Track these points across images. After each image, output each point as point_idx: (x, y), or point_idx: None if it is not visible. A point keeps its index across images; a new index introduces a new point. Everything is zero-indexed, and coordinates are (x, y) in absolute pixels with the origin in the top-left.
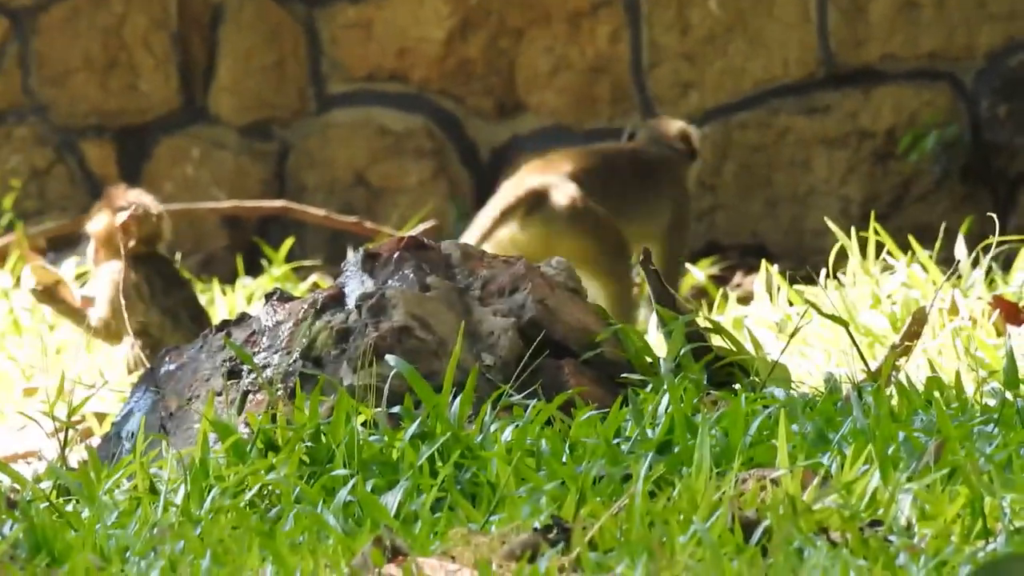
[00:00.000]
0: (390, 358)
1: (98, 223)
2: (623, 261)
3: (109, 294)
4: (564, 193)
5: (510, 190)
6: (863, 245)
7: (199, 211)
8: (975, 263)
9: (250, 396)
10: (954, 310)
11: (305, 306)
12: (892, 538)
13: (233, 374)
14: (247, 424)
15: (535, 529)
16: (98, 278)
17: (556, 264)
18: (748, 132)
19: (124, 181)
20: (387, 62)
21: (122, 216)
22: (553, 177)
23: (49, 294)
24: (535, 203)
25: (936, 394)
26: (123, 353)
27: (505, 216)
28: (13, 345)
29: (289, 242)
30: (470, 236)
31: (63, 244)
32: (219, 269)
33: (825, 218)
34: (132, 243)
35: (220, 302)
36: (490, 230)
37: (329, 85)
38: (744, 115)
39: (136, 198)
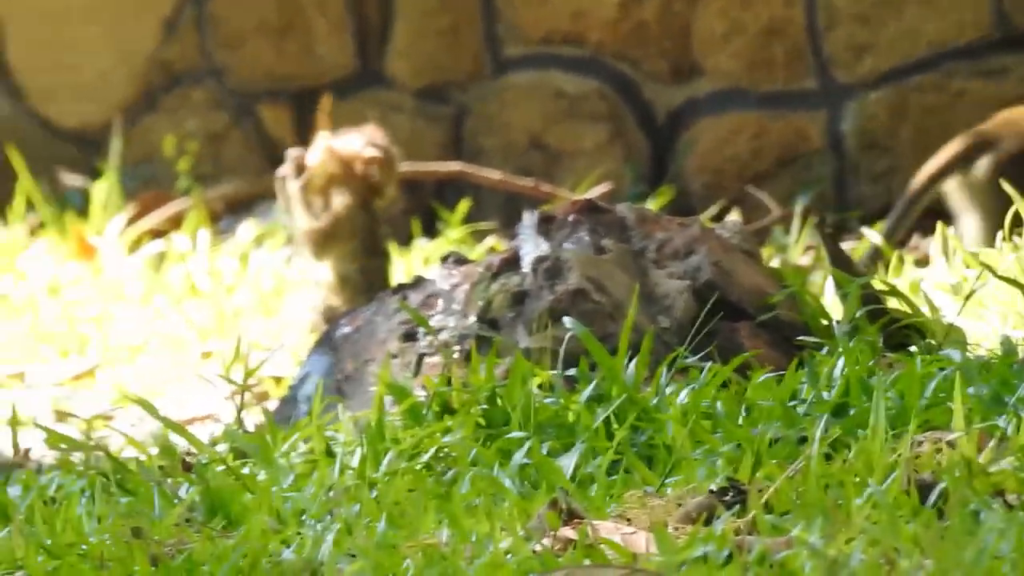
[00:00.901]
0: (566, 320)
1: (344, 142)
2: None
3: (337, 212)
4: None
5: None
6: None
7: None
8: None
9: (426, 359)
10: None
11: (481, 269)
12: None
13: (409, 337)
14: (423, 387)
15: (711, 491)
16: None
17: (731, 226)
18: (924, 95)
19: (299, 145)
20: (562, 25)
21: (374, 151)
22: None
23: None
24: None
25: None
26: (302, 315)
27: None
28: (191, 308)
29: (465, 205)
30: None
31: (240, 207)
32: (395, 232)
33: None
34: (371, 178)
35: (397, 264)
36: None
37: (505, 48)
38: (919, 77)
39: (385, 142)
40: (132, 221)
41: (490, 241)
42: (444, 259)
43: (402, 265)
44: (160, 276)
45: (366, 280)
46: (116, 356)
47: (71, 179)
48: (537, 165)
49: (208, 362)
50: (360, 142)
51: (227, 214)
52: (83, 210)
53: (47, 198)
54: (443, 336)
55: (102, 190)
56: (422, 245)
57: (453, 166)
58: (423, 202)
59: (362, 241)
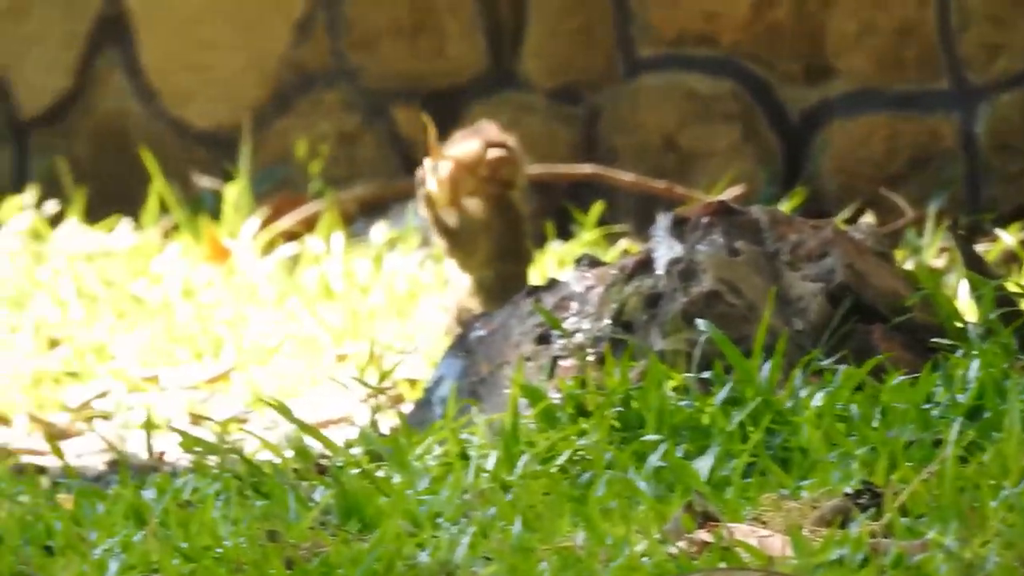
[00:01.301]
0: (700, 323)
1: (464, 148)
2: None
3: (467, 219)
4: None
5: None
6: None
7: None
8: None
9: (560, 361)
10: None
11: (615, 271)
12: None
13: (543, 339)
14: (557, 389)
15: (846, 494)
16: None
17: (864, 228)
18: None
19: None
20: (695, 25)
21: (496, 151)
22: None
23: (428, 199)
24: None
25: None
26: (436, 318)
27: None
28: (325, 311)
29: (599, 207)
30: None
31: (373, 209)
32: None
33: None
34: (496, 176)
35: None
36: None
37: (638, 49)
38: None
39: (503, 137)
40: (265, 224)
41: (624, 243)
42: (578, 261)
43: (536, 268)
44: (294, 279)
45: (504, 285)
46: (250, 359)
47: (204, 181)
48: (670, 166)
49: (343, 365)
50: (481, 144)
51: (360, 216)
52: (216, 212)
53: (180, 200)
54: (577, 339)
55: (235, 192)
56: (556, 248)
57: (586, 168)
58: (556, 204)
59: (499, 245)
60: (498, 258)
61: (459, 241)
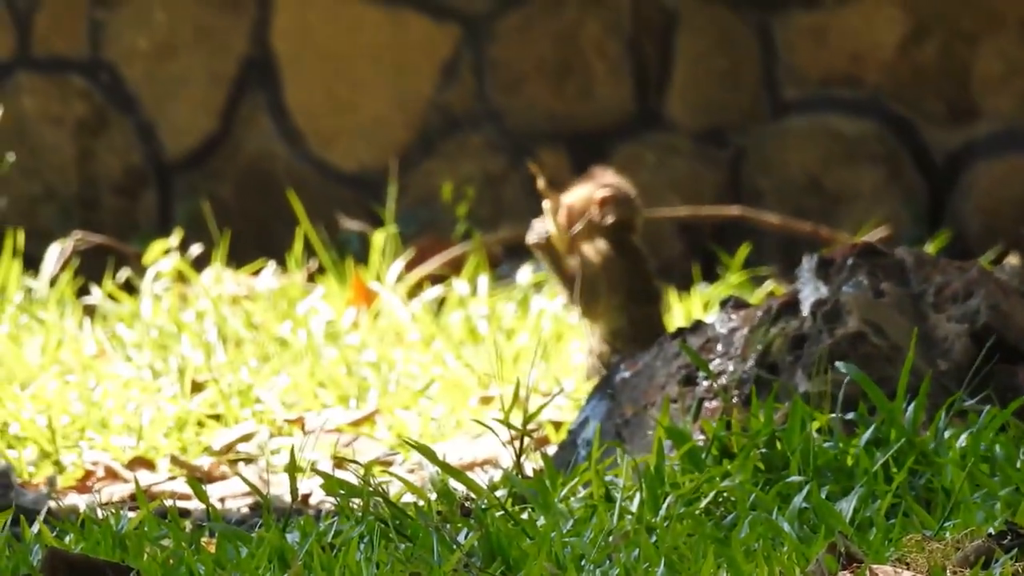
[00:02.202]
0: (844, 364)
1: (575, 194)
2: None
3: (588, 266)
4: None
5: None
6: None
7: (657, 217)
8: None
9: (705, 403)
10: None
11: (760, 313)
12: None
13: (688, 381)
14: (702, 431)
15: (989, 535)
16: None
17: (1009, 269)
18: None
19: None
20: (840, 66)
21: (604, 191)
22: None
23: (546, 248)
24: None
25: None
26: (581, 360)
27: None
28: (470, 353)
29: (745, 249)
30: None
31: (519, 251)
32: (675, 275)
33: None
34: (608, 220)
35: (676, 308)
36: None
37: (783, 90)
38: None
39: (616, 179)
40: (411, 266)
41: (769, 285)
42: (723, 303)
43: (681, 310)
44: (439, 321)
45: (637, 329)
46: (395, 401)
47: (350, 224)
48: (815, 207)
49: (487, 407)
50: (589, 189)
51: (506, 258)
52: (362, 255)
53: (325, 243)
54: (722, 380)
55: (380, 235)
56: (701, 290)
57: (733, 210)
58: (702, 246)
59: (625, 288)
60: (627, 301)
61: (580, 288)
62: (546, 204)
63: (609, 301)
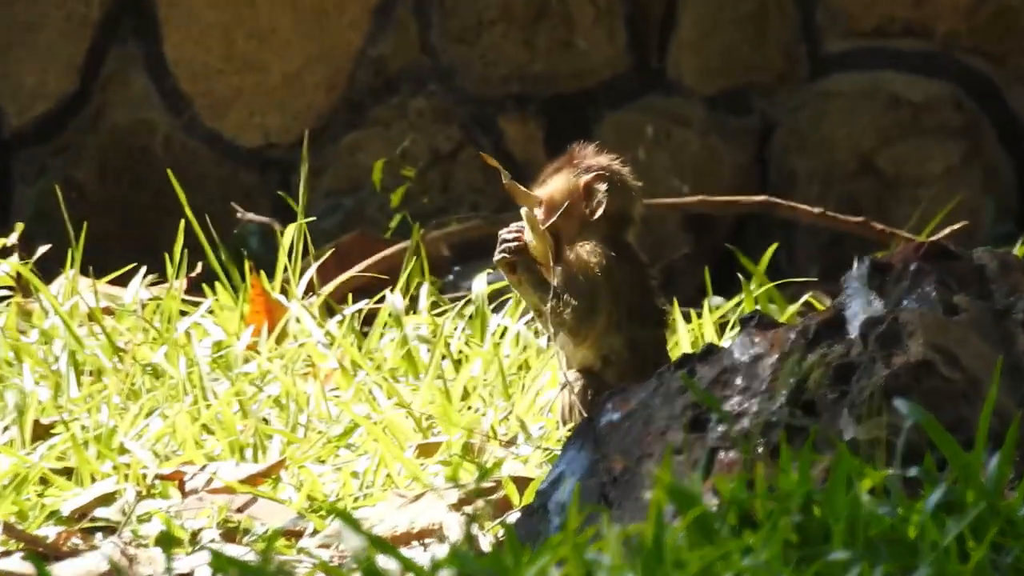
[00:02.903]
0: (904, 403)
1: (555, 184)
2: None
3: (573, 270)
4: None
5: None
6: None
7: (656, 208)
8: None
9: (720, 454)
10: None
11: (793, 335)
12: None
13: (697, 425)
14: (715, 492)
15: None
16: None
17: None
18: None
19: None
20: (901, 12)
21: (591, 175)
22: None
23: (524, 264)
24: None
25: None
26: (554, 397)
27: None
28: (406, 388)
29: (772, 249)
30: None
31: (473, 252)
32: (680, 284)
33: None
34: (598, 212)
35: (681, 329)
36: None
37: (825, 42)
38: None
39: (608, 161)
40: (329, 272)
41: (806, 297)
42: (744, 322)
43: (688, 331)
44: (367, 345)
45: (636, 356)
46: (306, 450)
47: (249, 216)
48: (868, 195)
49: (429, 459)
50: (575, 170)
51: (456, 262)
52: (265, 257)
53: (217, 242)
54: (743, 424)
55: (290, 231)
56: (715, 303)
57: (757, 198)
58: (717, 246)
59: (622, 303)
60: (624, 320)
61: (571, 303)
62: (524, 211)
63: (606, 320)
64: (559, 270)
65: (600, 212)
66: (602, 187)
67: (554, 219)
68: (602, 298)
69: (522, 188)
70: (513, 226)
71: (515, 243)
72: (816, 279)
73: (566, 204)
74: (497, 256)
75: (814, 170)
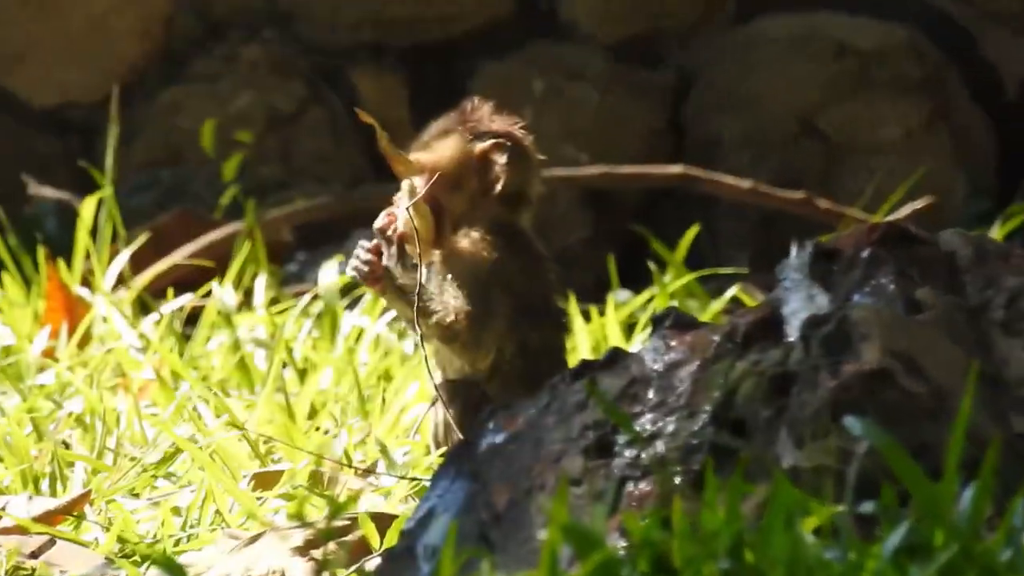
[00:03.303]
0: (856, 421)
1: (442, 150)
2: None
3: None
4: None
5: None
6: None
7: (548, 181)
8: None
9: (629, 485)
10: None
11: (717, 337)
12: None
13: (601, 450)
14: (623, 532)
15: None
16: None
17: None
18: None
19: (417, 130)
20: None
21: (486, 142)
22: None
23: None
24: None
25: None
26: (423, 415)
27: None
28: (239, 403)
29: (692, 232)
30: None
31: (321, 236)
32: (578, 275)
33: None
34: (495, 189)
35: (579, 330)
36: None
37: None
38: None
39: (508, 126)
40: (144, 261)
41: (732, 292)
42: (658, 322)
43: (588, 333)
44: (189, 351)
45: (528, 366)
46: (116, 481)
47: (43, 191)
48: (809, 166)
49: (268, 491)
50: (463, 134)
51: (299, 248)
52: (63, 241)
53: (4, 222)
54: (657, 447)
55: (93, 209)
56: (621, 299)
57: (673, 170)
58: (623, 229)
59: (516, 302)
60: (518, 322)
61: (462, 312)
62: (406, 184)
63: (506, 322)
64: (441, 264)
65: (497, 188)
66: (501, 158)
67: (439, 193)
68: (496, 298)
69: (402, 153)
70: (366, 244)
71: (368, 267)
72: (746, 269)
73: (455, 175)
74: (348, 272)
75: (742, 134)
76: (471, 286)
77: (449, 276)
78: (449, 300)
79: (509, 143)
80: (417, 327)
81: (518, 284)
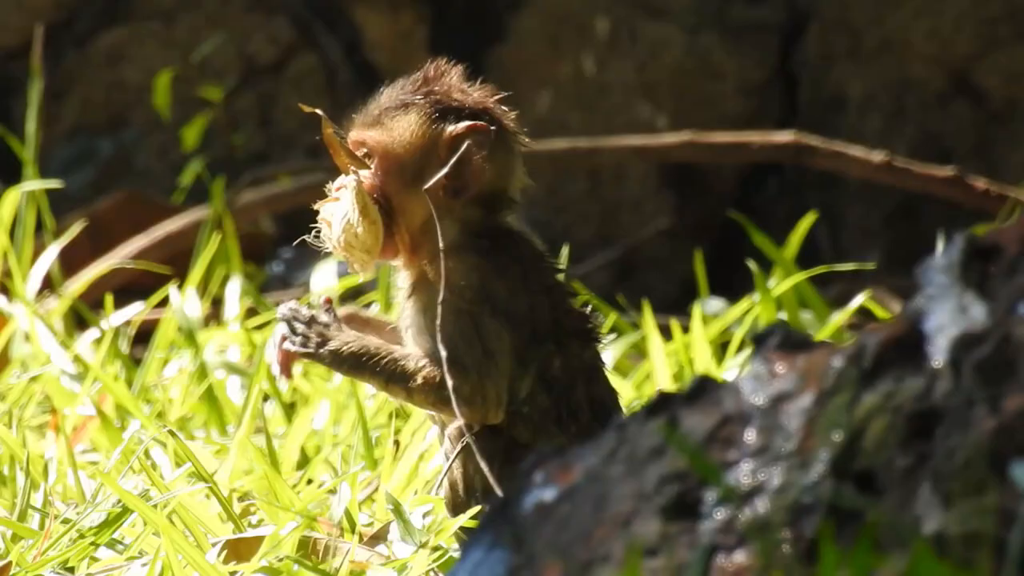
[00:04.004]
0: (1021, 472)
1: (399, 130)
2: None
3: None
4: None
5: None
6: None
7: (611, 152)
8: None
9: (720, 557)
10: None
11: (838, 362)
12: None
13: (683, 509)
14: None
15: None
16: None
17: None
18: None
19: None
20: None
21: (458, 125)
22: None
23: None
24: None
25: None
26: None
27: None
28: (203, 448)
29: (806, 222)
30: None
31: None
32: (655, 278)
33: None
34: (470, 188)
35: (656, 350)
36: None
37: None
38: None
39: (484, 99)
40: (79, 259)
41: (859, 300)
42: (760, 340)
43: (667, 354)
44: (141, 378)
45: (557, 399)
46: (43, 551)
47: None
48: (961, 132)
49: (246, 565)
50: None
51: (284, 241)
52: None
53: None
54: (757, 507)
55: (15, 193)
56: (712, 309)
57: (780, 138)
58: (714, 216)
59: (526, 329)
60: (525, 353)
61: (458, 368)
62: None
63: (506, 359)
64: (407, 298)
65: (471, 188)
66: (479, 146)
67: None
68: (490, 331)
69: (346, 139)
70: (287, 308)
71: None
72: (875, 268)
73: (415, 165)
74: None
75: (873, 92)
76: (453, 324)
77: (419, 314)
78: (425, 348)
79: (489, 125)
80: (403, 399)
81: (514, 306)
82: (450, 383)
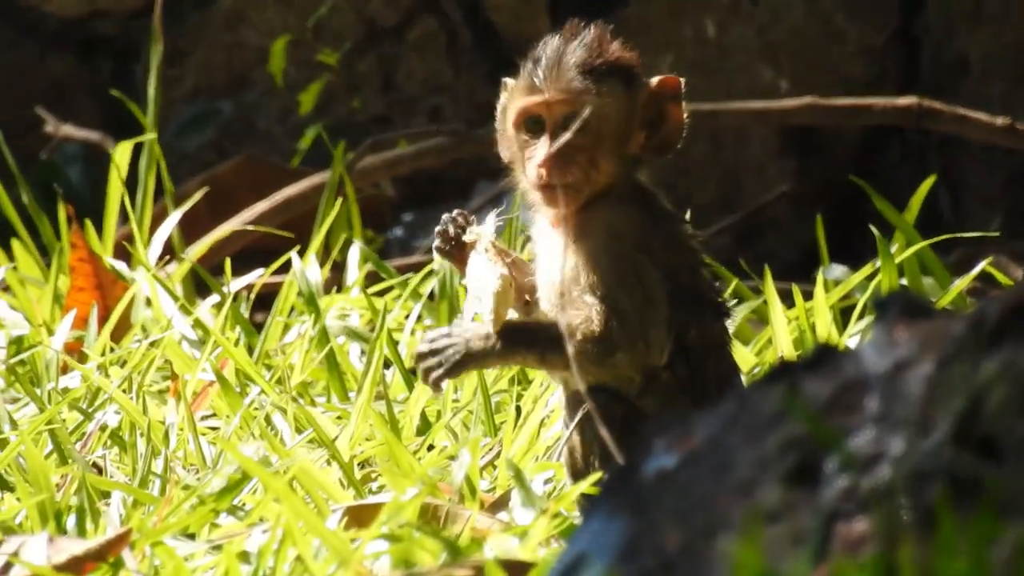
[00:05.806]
0: None
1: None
2: None
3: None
4: None
5: None
6: None
7: (732, 115)
8: None
9: (840, 523)
10: None
11: (960, 328)
12: None
13: (804, 476)
14: None
15: None
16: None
17: None
18: None
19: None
20: None
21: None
22: None
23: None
24: None
25: None
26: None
27: None
28: (330, 413)
29: (926, 186)
30: None
31: (433, 193)
32: (776, 244)
33: None
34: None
35: (777, 317)
36: None
37: None
38: None
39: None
40: (199, 224)
41: (981, 266)
42: (882, 307)
43: (788, 320)
44: (262, 344)
45: (689, 369)
46: (164, 517)
47: (65, 128)
48: None
49: (367, 531)
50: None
51: (408, 206)
52: (92, 197)
53: (15, 171)
54: (878, 474)
55: (129, 153)
56: (834, 275)
57: (901, 102)
58: (835, 182)
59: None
60: (673, 312)
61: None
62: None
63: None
64: (566, 250)
65: (673, 146)
66: (675, 104)
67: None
68: (651, 280)
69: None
70: (424, 346)
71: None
72: (998, 234)
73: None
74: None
75: (996, 53)
76: (614, 272)
77: (581, 264)
78: (584, 302)
79: (672, 81)
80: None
81: (666, 261)
82: (611, 329)
